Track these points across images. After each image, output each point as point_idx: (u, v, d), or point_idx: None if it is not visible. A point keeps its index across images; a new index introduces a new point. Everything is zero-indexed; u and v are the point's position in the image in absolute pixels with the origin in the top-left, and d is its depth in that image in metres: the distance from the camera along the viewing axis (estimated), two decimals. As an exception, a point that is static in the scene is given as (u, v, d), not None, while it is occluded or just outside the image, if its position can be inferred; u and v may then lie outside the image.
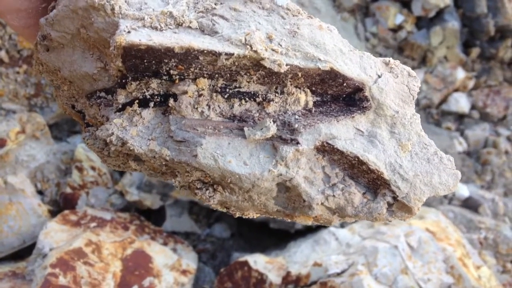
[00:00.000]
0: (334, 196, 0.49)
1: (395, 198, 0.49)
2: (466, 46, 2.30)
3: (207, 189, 0.50)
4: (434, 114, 2.28)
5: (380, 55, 2.22)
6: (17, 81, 1.60)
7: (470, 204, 1.96)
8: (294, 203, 0.50)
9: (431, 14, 2.18)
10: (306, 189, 0.48)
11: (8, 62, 1.58)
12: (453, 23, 2.16)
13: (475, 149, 2.20)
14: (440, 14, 2.20)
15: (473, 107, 2.30)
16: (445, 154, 0.50)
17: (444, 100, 2.28)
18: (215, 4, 0.49)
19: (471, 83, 2.29)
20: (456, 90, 2.29)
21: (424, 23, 2.23)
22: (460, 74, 2.25)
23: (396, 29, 2.22)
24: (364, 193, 0.50)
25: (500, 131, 2.25)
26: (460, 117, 2.30)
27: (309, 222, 0.52)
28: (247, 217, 0.54)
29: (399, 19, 2.19)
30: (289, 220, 0.54)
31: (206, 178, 0.49)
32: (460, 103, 2.25)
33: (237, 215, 0.53)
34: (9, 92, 1.59)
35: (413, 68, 2.25)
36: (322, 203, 0.49)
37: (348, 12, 2.20)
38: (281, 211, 0.51)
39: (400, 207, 0.50)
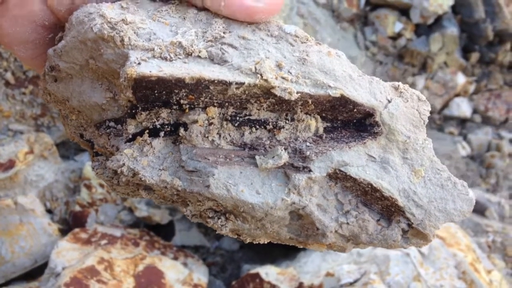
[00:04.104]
0: (347, 223, 0.48)
1: (409, 225, 0.48)
2: (466, 51, 2.32)
3: (219, 218, 0.49)
4: (436, 119, 2.29)
5: (380, 63, 2.24)
6: (23, 102, 1.61)
7: (477, 208, 1.96)
8: (307, 230, 0.49)
9: (429, 21, 2.20)
10: (319, 217, 0.47)
11: (14, 84, 1.60)
12: (452, 29, 2.18)
13: (478, 153, 2.21)
14: (438, 20, 2.23)
15: (474, 111, 2.32)
16: (459, 180, 0.49)
17: (445, 105, 2.30)
18: (224, 32, 0.48)
19: (471, 88, 2.31)
20: (457, 95, 2.31)
21: (423, 30, 2.25)
22: (461, 79, 2.26)
23: (396, 37, 2.24)
24: (378, 220, 0.49)
25: (502, 134, 2.27)
26: (462, 122, 2.32)
27: (323, 250, 0.51)
28: (257, 242, 0.53)
29: (398, 27, 2.21)
30: (301, 247, 0.53)
31: (218, 207, 0.48)
32: (462, 107, 2.27)
33: (248, 241, 0.52)
34: (16, 113, 1.61)
35: (413, 75, 2.28)
36: (336, 231, 0.48)
37: (347, 21, 2.22)
38: (294, 239, 0.51)
39: (415, 234, 0.49)
